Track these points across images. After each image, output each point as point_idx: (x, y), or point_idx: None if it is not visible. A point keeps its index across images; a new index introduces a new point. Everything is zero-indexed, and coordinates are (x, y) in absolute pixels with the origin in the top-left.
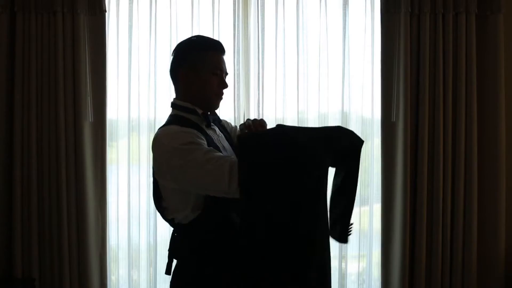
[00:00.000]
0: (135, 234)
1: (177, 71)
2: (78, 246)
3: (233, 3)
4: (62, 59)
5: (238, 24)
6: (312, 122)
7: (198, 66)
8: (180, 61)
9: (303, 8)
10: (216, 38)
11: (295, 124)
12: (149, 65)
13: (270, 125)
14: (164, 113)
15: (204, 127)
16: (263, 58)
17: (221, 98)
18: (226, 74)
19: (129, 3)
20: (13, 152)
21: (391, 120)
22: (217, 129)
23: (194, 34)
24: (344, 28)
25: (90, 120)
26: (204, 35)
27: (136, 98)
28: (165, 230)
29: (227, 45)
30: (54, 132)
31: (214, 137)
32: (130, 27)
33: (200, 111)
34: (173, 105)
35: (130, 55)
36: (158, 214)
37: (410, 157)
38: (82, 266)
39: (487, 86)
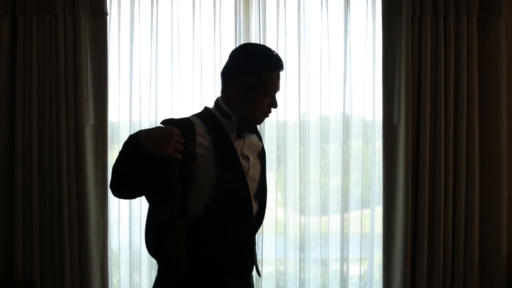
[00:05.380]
0: (137, 237)
1: (233, 80)
2: (80, 249)
3: (234, 6)
4: (63, 62)
5: (240, 27)
6: (314, 124)
7: (256, 85)
8: (240, 73)
9: (304, 11)
10: (217, 41)
11: (297, 127)
12: (151, 68)
13: (272, 127)
14: (165, 115)
15: (230, 133)
16: None
17: (267, 116)
18: (278, 90)
19: (130, 6)
20: (14, 155)
21: (393, 123)
22: (249, 138)
23: (260, 43)
24: (346, 30)
25: (91, 123)
26: (269, 48)
27: (138, 100)
28: None
29: (228, 48)
30: (56, 135)
31: (239, 144)
32: (132, 29)
33: (235, 118)
34: (216, 102)
35: (131, 58)
36: None
37: (412, 160)
38: (83, 269)
39: (488, 89)
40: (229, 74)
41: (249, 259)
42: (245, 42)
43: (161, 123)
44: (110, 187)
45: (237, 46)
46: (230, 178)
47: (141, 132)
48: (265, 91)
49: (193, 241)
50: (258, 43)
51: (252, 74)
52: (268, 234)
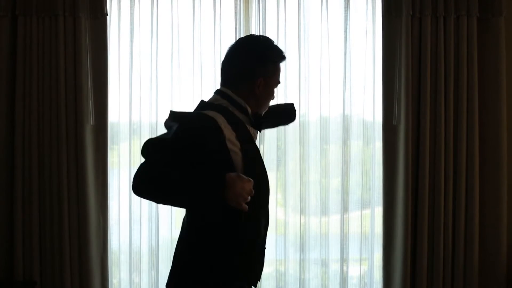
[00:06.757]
0: (137, 237)
1: (248, 74)
2: (80, 249)
3: (234, 7)
4: (63, 62)
5: (240, 28)
6: (314, 125)
7: (271, 78)
8: (257, 67)
9: (304, 11)
10: (217, 41)
11: (297, 128)
12: (151, 68)
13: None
14: (165, 116)
15: (248, 125)
16: None
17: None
18: None
19: (130, 6)
20: (14, 155)
21: (393, 123)
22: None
23: (262, 34)
24: (346, 31)
25: (91, 123)
26: (271, 39)
27: (138, 101)
28: (166, 233)
29: None
30: (56, 135)
31: (253, 132)
32: (132, 30)
33: (250, 112)
34: (225, 95)
35: (131, 58)
36: (160, 217)
37: (412, 160)
38: (83, 269)
39: (488, 89)
40: (243, 69)
41: (263, 257)
42: (247, 35)
43: (176, 116)
44: (135, 187)
45: (241, 39)
46: (256, 173)
47: (229, 180)
48: (276, 82)
49: (216, 242)
50: (259, 34)
51: (268, 68)
52: (268, 235)
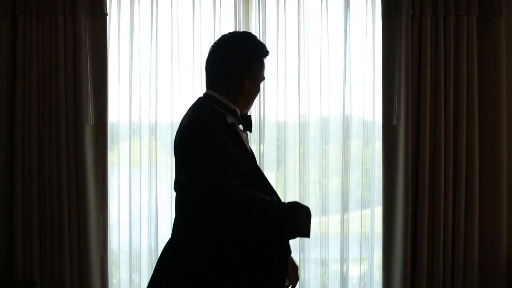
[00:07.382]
0: (137, 237)
1: (240, 77)
2: (80, 249)
3: (234, 7)
4: (63, 62)
5: (240, 28)
6: (314, 125)
7: (258, 75)
8: (245, 68)
9: (304, 11)
10: None
11: (297, 128)
12: (150, 68)
13: (272, 127)
14: (165, 116)
15: (238, 127)
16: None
17: None
18: None
19: (130, 6)
20: (14, 155)
21: (393, 123)
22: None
23: (246, 31)
24: (345, 31)
25: (91, 123)
26: (254, 35)
27: (137, 101)
28: (166, 233)
29: None
30: (55, 135)
31: (243, 136)
32: (131, 30)
33: (239, 113)
34: (213, 99)
35: (131, 58)
36: (159, 217)
37: (412, 160)
38: (83, 269)
39: (488, 89)
40: (231, 70)
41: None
42: (230, 33)
43: (196, 125)
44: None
45: (225, 38)
46: (254, 179)
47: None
48: (262, 77)
49: (214, 243)
50: (241, 30)
51: (255, 66)
52: None
